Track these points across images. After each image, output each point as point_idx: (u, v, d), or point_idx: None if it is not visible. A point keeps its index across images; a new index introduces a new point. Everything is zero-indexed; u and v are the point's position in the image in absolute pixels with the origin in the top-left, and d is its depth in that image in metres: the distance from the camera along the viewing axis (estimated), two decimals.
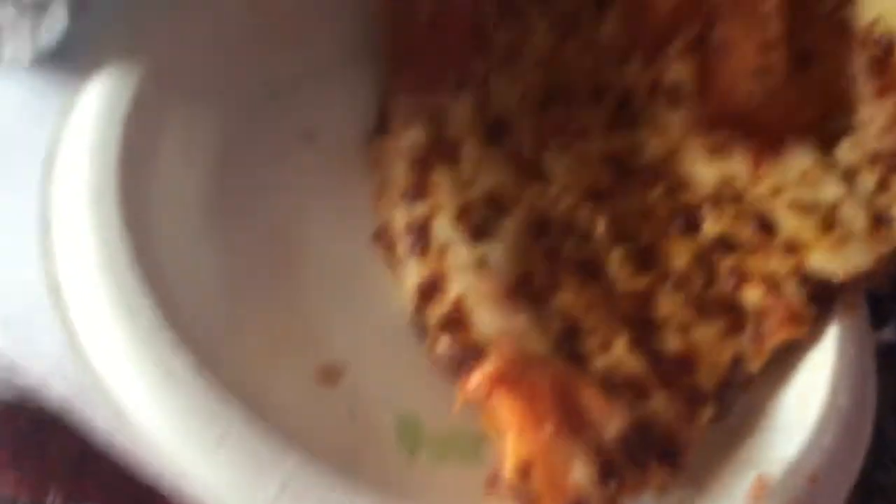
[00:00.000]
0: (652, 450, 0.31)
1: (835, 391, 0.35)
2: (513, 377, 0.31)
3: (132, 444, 0.27)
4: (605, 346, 0.34)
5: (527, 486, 0.29)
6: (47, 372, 0.28)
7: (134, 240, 0.29)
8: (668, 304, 0.36)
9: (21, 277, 0.29)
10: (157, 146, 0.33)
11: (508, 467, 0.29)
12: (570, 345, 0.34)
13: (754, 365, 0.36)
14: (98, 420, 0.27)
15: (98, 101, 0.32)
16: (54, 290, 0.29)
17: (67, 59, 0.34)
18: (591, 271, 0.37)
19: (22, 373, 0.28)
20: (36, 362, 0.28)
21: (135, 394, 0.28)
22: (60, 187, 0.31)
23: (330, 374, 0.32)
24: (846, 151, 0.41)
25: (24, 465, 0.29)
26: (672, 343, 0.35)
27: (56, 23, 0.33)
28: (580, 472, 0.29)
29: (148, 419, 0.27)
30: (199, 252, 0.32)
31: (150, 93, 0.33)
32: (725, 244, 0.38)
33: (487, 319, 0.33)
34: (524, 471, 0.29)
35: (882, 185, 0.40)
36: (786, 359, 0.37)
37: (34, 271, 0.29)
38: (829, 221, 0.39)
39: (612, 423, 0.31)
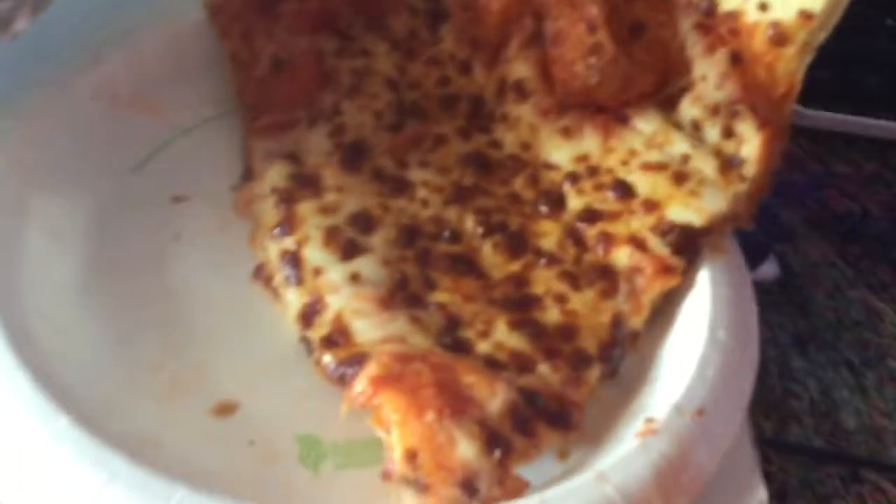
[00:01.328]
0: (540, 416, 0.33)
1: (713, 328, 0.37)
2: (393, 375, 0.32)
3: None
4: (486, 331, 0.36)
5: (416, 473, 0.30)
6: None
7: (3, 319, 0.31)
8: (544, 281, 0.38)
9: None
10: (21, 233, 0.35)
11: (396, 458, 0.30)
12: (450, 337, 0.35)
13: (636, 321, 0.37)
14: None
15: None
16: None
17: None
18: (465, 266, 0.38)
19: None
20: None
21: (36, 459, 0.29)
22: None
23: (225, 409, 0.33)
24: (687, 108, 0.43)
25: None
26: (552, 316, 0.37)
27: None
28: (465, 449, 0.30)
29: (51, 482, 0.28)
30: (77, 319, 0.34)
31: (25, 152, 0.36)
32: (590, 215, 0.40)
33: (367, 329, 0.35)
34: (411, 458, 0.30)
35: (726, 133, 0.42)
36: (667, 310, 0.38)
37: None
38: (681, 175, 0.41)
39: (495, 397, 0.32)
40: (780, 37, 0.39)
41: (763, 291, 0.40)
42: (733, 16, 0.41)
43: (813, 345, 0.49)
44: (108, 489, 0.27)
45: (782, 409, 0.45)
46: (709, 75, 0.42)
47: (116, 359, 0.34)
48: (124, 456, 0.28)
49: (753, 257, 0.41)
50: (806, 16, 0.39)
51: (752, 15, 0.40)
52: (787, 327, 0.49)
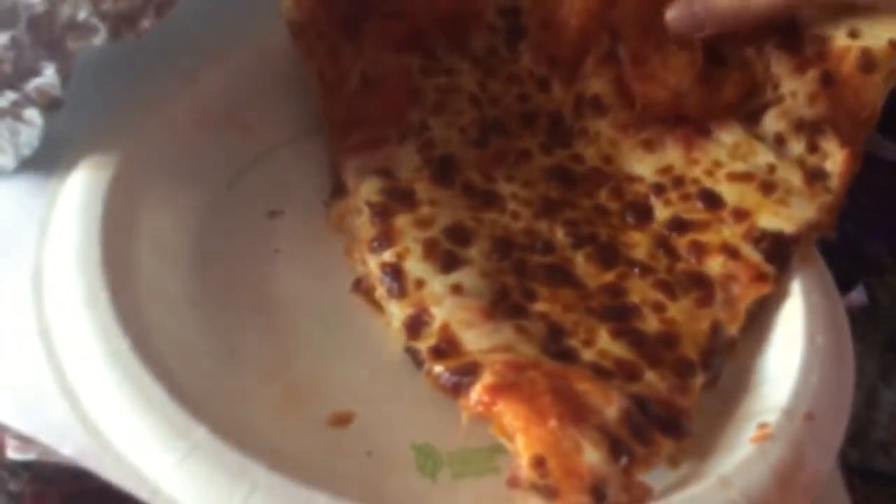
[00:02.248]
0: (654, 423, 0.33)
1: (811, 334, 0.37)
2: (509, 383, 0.32)
3: (148, 497, 0.28)
4: (590, 340, 0.36)
5: (545, 479, 0.30)
6: (54, 436, 0.29)
7: (114, 290, 0.32)
8: (639, 290, 0.38)
9: (20, 338, 0.31)
10: (133, 250, 0.35)
11: (524, 465, 0.30)
12: (557, 345, 0.36)
13: (732, 328, 0.38)
14: (105, 471, 0.28)
15: (82, 176, 0.36)
16: (45, 336, 0.31)
17: (50, 155, 0.37)
18: (561, 276, 0.39)
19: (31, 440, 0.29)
20: (43, 429, 0.29)
21: (118, 423, 0.29)
22: (51, 246, 0.33)
23: (341, 420, 0.34)
24: (771, 122, 0.44)
25: None
26: (651, 324, 0.37)
27: (33, 129, 0.35)
28: (591, 455, 0.30)
29: (128, 440, 0.29)
30: (193, 332, 0.34)
31: (129, 171, 0.36)
32: (679, 225, 0.41)
33: (475, 339, 0.35)
34: (539, 465, 0.30)
35: (811, 148, 0.43)
36: (761, 317, 0.39)
37: (30, 327, 0.31)
38: (768, 184, 0.41)
39: (611, 404, 0.32)
40: (869, 64, 0.42)
41: (850, 319, 0.40)
42: (822, 39, 0.42)
43: None
44: (250, 500, 0.27)
45: (868, 438, 0.45)
46: (799, 93, 0.43)
47: (233, 371, 0.34)
48: (264, 465, 0.28)
49: (841, 287, 0.41)
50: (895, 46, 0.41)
51: (841, 40, 0.42)
52: (874, 356, 0.49)
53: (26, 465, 0.30)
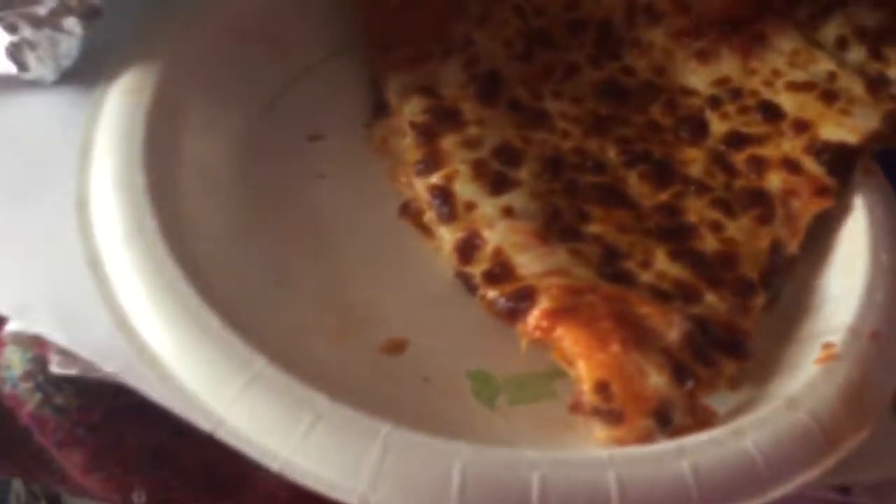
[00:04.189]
0: (717, 345, 0.32)
1: (875, 252, 0.36)
2: (568, 308, 0.32)
3: (183, 407, 0.28)
4: (647, 262, 0.35)
5: (609, 404, 0.29)
6: (97, 353, 0.29)
7: (162, 220, 0.31)
8: (697, 209, 0.37)
9: (65, 263, 0.31)
10: (178, 139, 0.34)
11: (587, 390, 0.30)
12: (612, 267, 0.35)
13: (792, 245, 0.36)
14: (148, 389, 0.28)
15: (122, 98, 0.34)
16: (94, 265, 0.31)
17: (90, 67, 0.36)
18: (614, 196, 0.37)
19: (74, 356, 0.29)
20: (86, 345, 0.29)
21: (173, 353, 0.29)
22: (95, 174, 0.33)
23: (395, 347, 0.33)
24: (832, 29, 0.42)
25: (107, 464, 0.30)
26: (710, 244, 0.36)
27: (73, 39, 0.34)
28: (655, 379, 0.30)
29: (185, 370, 0.29)
30: (242, 261, 0.34)
31: (168, 91, 0.35)
32: (736, 139, 0.39)
33: (529, 262, 0.34)
34: (603, 390, 0.29)
35: (873, 55, 0.41)
36: (821, 234, 0.37)
37: (77, 254, 0.31)
38: (829, 94, 0.40)
39: (672, 327, 0.32)
40: None
41: None
42: None
43: None
44: (314, 429, 0.27)
45: None
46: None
47: (284, 299, 0.33)
48: (326, 395, 0.28)
49: None
50: None
51: None
52: None
53: (71, 380, 0.30)
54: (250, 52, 0.40)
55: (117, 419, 0.30)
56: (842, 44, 0.42)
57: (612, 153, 0.39)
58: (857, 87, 0.40)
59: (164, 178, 0.33)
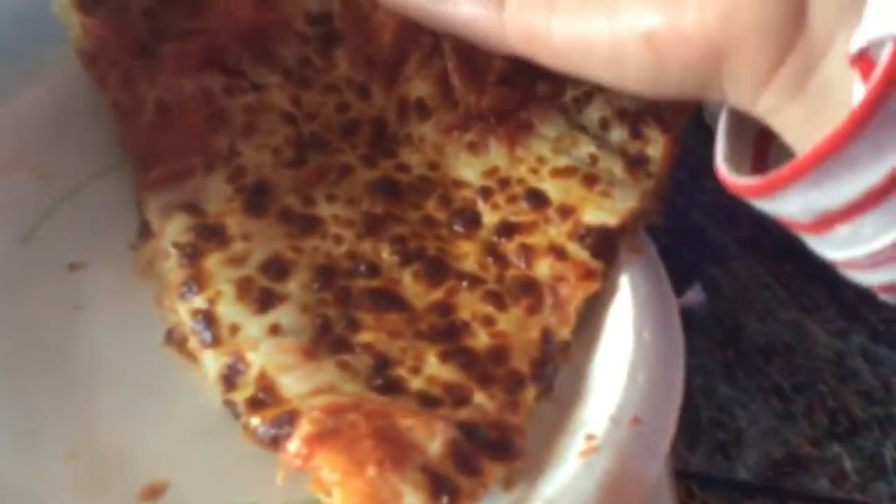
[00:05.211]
0: (483, 449, 0.32)
1: (638, 331, 0.37)
2: (329, 431, 0.31)
3: None
4: (417, 367, 0.35)
5: None
6: None
7: None
8: (469, 305, 0.37)
9: None
10: None
11: None
12: (383, 377, 0.34)
13: (563, 332, 0.37)
14: None
15: None
16: None
17: None
18: (387, 300, 0.37)
19: None
20: None
21: None
22: None
23: (154, 491, 0.32)
24: (595, 111, 0.43)
25: None
26: (481, 340, 0.36)
27: None
28: (411, 499, 0.29)
29: None
30: None
31: None
32: (507, 229, 0.40)
33: (294, 383, 0.33)
34: None
35: (633, 134, 0.43)
36: (593, 317, 0.38)
37: None
38: (590, 177, 0.41)
39: (435, 437, 0.31)
40: None
41: (691, 317, 0.40)
42: None
43: (742, 371, 0.48)
44: None
45: (709, 440, 0.45)
46: None
47: (30, 452, 0.31)
48: None
49: (684, 278, 0.41)
50: None
51: None
52: (716, 354, 0.49)
53: None
54: (6, 183, 0.38)
55: None
56: (604, 125, 0.43)
57: (385, 254, 0.39)
58: (616, 168, 0.41)
59: None
